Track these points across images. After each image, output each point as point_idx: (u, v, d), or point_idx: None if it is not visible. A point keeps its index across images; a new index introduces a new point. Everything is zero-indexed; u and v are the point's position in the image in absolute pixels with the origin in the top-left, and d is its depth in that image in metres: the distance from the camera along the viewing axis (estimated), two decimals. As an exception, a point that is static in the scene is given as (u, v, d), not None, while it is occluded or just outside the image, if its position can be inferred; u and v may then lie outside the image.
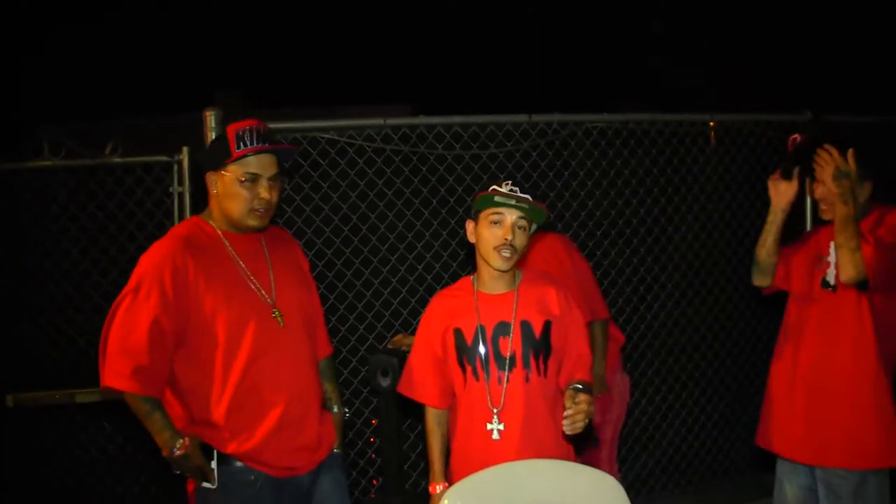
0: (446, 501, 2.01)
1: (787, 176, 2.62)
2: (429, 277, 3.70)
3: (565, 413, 1.94)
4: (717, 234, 4.13)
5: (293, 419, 2.15)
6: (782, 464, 2.70)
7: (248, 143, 2.11)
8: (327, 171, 3.45)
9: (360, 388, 3.60)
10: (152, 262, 2.07)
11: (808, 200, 3.40)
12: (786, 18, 8.80)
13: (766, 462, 2.80)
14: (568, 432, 1.94)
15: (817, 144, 2.53)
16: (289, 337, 2.18)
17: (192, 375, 2.09)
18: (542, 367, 2.18)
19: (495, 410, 2.16)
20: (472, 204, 2.23)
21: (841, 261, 2.42)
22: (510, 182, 2.15)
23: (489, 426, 2.16)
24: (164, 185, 3.19)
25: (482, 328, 2.19)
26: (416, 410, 2.41)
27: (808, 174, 2.63)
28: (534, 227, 2.20)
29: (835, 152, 2.44)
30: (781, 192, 2.63)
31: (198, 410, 2.10)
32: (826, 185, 2.51)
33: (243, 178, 2.11)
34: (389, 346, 3.01)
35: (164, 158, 3.14)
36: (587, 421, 1.96)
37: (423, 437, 2.39)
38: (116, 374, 2.01)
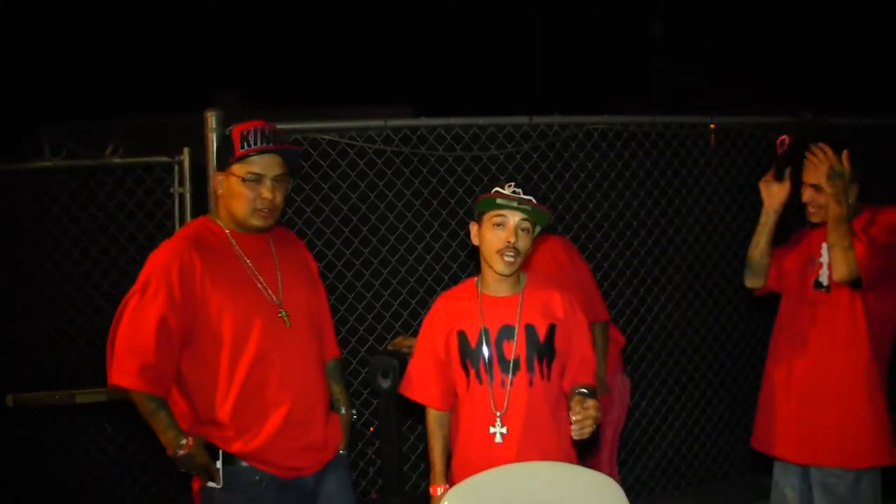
0: (447, 503, 2.01)
1: (779, 177, 2.62)
2: (429, 279, 3.70)
3: (574, 419, 1.93)
4: (717, 236, 4.13)
5: (299, 419, 2.15)
6: (778, 465, 2.70)
7: (252, 143, 2.12)
8: (328, 173, 3.45)
9: (361, 389, 3.60)
10: (160, 261, 2.08)
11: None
12: (785, 18, 8.81)
13: (766, 464, 2.80)
14: (576, 438, 1.94)
15: (806, 145, 2.53)
16: (295, 337, 2.18)
17: (199, 374, 2.10)
18: (545, 370, 2.17)
19: (498, 414, 2.15)
20: (474, 206, 2.21)
21: (834, 260, 2.44)
22: (513, 183, 2.13)
23: (492, 429, 2.15)
24: (165, 185, 3.18)
25: (486, 331, 2.18)
26: (416, 412, 2.41)
27: (799, 175, 2.63)
28: (538, 229, 2.18)
29: (829, 151, 2.45)
30: (773, 194, 2.63)
31: (204, 409, 2.10)
32: (820, 184, 2.50)
33: (246, 178, 2.12)
34: (390, 348, 3.01)
35: (164, 159, 3.13)
36: (595, 427, 1.95)
37: (422, 438, 2.39)
38: (123, 372, 2.02)
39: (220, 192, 2.19)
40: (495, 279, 2.21)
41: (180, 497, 3.73)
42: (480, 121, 3.45)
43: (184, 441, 2.04)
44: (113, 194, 3.42)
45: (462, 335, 2.20)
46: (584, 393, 2.02)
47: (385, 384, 2.83)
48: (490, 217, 2.14)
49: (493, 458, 2.11)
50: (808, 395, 2.55)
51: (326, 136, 3.27)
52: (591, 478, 2.05)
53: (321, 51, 12.01)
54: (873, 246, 2.40)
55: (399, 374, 2.71)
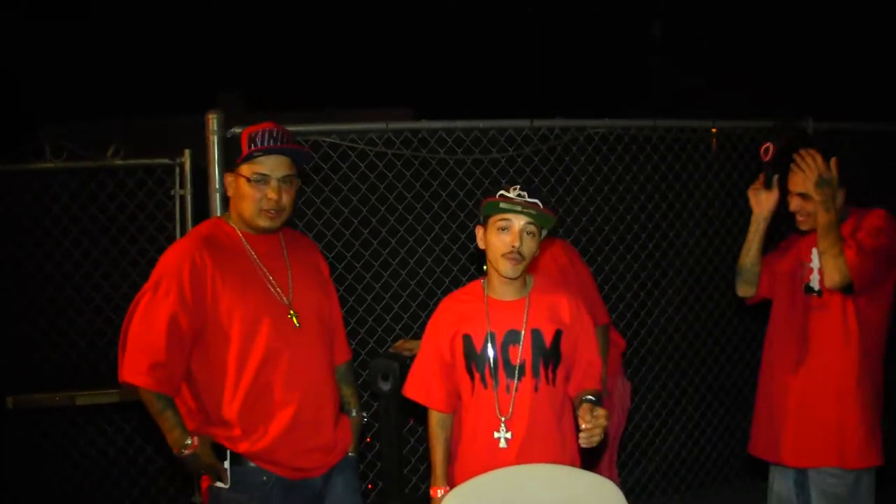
0: (447, 505, 2.01)
1: (767, 185, 2.61)
2: (430, 282, 3.70)
3: (583, 427, 1.92)
4: (718, 240, 4.13)
5: (307, 419, 2.15)
6: (774, 470, 2.71)
7: (259, 143, 2.12)
8: (329, 175, 3.45)
9: (361, 391, 3.59)
10: (172, 260, 2.09)
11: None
12: (786, 19, 8.82)
13: (765, 469, 2.80)
14: (584, 445, 1.93)
15: (792, 151, 2.52)
16: (304, 338, 2.18)
17: (208, 373, 2.10)
18: (551, 375, 2.16)
19: (503, 419, 2.14)
20: (479, 209, 2.19)
21: (825, 267, 2.44)
22: (518, 186, 2.10)
23: (496, 434, 2.14)
24: (166, 187, 3.18)
25: (492, 335, 2.16)
26: (417, 414, 2.41)
27: (785, 182, 2.62)
28: (544, 232, 2.16)
29: (818, 158, 2.44)
30: (762, 202, 2.62)
31: (213, 409, 2.11)
32: (808, 192, 2.49)
33: (252, 178, 2.13)
34: (391, 351, 3.01)
35: (165, 161, 3.13)
36: (603, 435, 1.95)
37: (423, 440, 2.39)
38: (134, 370, 2.03)
39: (229, 193, 2.20)
40: (501, 282, 2.19)
41: (180, 498, 3.74)
42: (482, 124, 3.45)
43: (189, 441, 2.05)
44: (114, 196, 3.42)
45: (467, 339, 2.18)
46: (592, 401, 2.01)
47: (385, 387, 2.82)
48: (495, 221, 2.12)
49: (496, 462, 2.10)
50: (804, 399, 2.55)
51: (328, 139, 3.27)
52: (591, 480, 2.06)
53: (323, 52, 12.02)
54: (863, 251, 2.41)
55: (399, 376, 2.71)
